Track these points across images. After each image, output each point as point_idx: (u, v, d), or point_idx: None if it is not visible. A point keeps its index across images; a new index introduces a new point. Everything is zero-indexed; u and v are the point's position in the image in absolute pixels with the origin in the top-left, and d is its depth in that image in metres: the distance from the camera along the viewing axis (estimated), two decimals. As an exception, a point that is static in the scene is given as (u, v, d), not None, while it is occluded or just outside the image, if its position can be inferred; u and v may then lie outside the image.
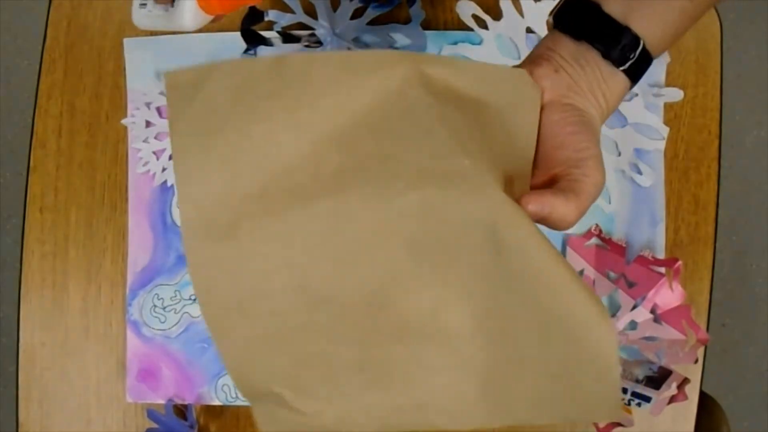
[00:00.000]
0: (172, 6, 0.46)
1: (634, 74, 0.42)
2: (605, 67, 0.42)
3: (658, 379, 0.63)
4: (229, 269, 0.38)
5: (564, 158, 0.40)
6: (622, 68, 0.42)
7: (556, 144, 0.41)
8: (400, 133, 0.41)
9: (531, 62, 0.43)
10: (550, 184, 0.40)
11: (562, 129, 0.41)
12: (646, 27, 0.41)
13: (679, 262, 0.65)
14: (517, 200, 0.38)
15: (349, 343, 0.40)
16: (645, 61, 0.42)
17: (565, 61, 0.42)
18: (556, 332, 0.39)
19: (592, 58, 0.42)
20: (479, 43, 0.68)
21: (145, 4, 0.49)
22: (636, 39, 0.41)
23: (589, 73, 0.42)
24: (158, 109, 0.68)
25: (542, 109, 0.42)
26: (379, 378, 0.42)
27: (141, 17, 0.49)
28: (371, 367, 0.41)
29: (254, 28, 0.68)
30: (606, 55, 0.41)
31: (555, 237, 0.67)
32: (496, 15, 0.68)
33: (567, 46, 0.42)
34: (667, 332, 0.66)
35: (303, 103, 0.38)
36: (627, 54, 0.41)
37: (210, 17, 0.47)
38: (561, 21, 0.43)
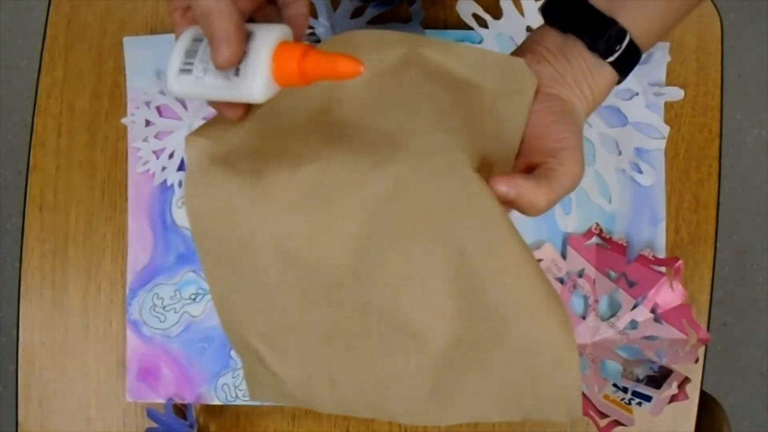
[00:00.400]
0: (237, 75, 0.37)
1: (622, 67, 0.43)
2: (591, 59, 0.42)
3: (658, 378, 0.63)
4: (221, 219, 0.40)
5: (543, 148, 0.41)
6: (608, 60, 0.42)
7: (537, 133, 0.41)
8: (387, 108, 0.42)
9: (518, 53, 0.44)
10: (528, 171, 0.40)
11: (543, 118, 0.41)
12: (632, 20, 0.42)
13: (680, 262, 0.65)
14: (489, 181, 0.38)
15: (319, 311, 0.41)
16: (633, 54, 0.43)
17: (551, 54, 0.43)
18: (514, 329, 0.39)
19: (578, 50, 0.42)
20: (479, 42, 0.68)
21: (189, 70, 0.38)
22: (622, 31, 0.42)
23: (575, 65, 0.42)
24: (158, 108, 0.68)
25: None
26: (345, 351, 0.42)
27: (185, 85, 0.38)
28: (338, 339, 0.42)
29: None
30: (592, 47, 0.42)
31: (556, 236, 0.67)
32: (497, 14, 0.68)
33: (553, 38, 0.43)
34: (668, 331, 0.66)
35: None
36: (613, 46, 0.42)
37: (279, 88, 0.38)
38: (548, 14, 0.44)
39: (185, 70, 0.38)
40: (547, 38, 0.43)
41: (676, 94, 0.69)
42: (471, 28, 0.68)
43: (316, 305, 0.41)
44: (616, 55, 0.42)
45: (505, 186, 0.38)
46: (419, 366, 0.41)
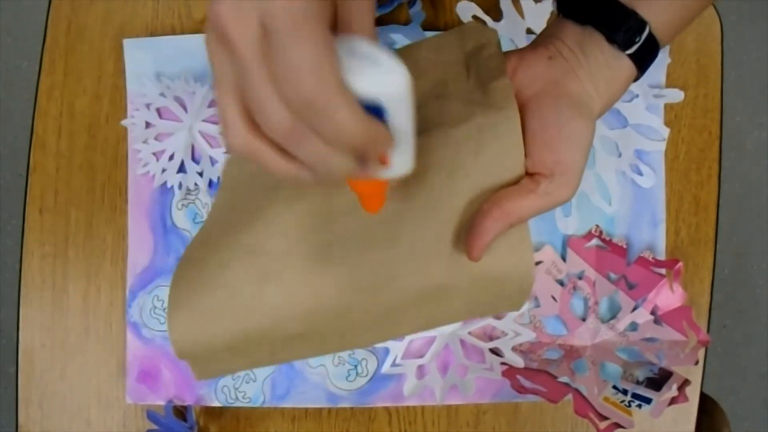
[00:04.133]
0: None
1: (641, 61, 0.41)
2: (610, 52, 0.41)
3: (658, 380, 0.63)
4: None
5: (544, 162, 0.39)
6: (627, 52, 0.41)
7: (542, 142, 0.39)
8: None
9: (529, 47, 0.43)
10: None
11: (550, 128, 0.39)
12: (652, 11, 0.41)
13: (680, 264, 0.65)
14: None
15: (296, 318, 0.40)
16: (652, 47, 0.41)
17: (566, 47, 0.41)
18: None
19: (596, 42, 0.41)
20: (479, 44, 0.68)
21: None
22: (642, 23, 0.40)
23: (592, 59, 0.41)
24: (158, 110, 0.68)
25: (532, 100, 0.40)
26: (319, 342, 0.42)
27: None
28: (314, 336, 0.41)
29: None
30: (611, 39, 0.40)
31: (555, 237, 0.67)
32: (497, 16, 0.68)
33: (571, 31, 0.41)
34: (668, 334, 0.66)
35: None
36: (632, 37, 0.40)
37: None
38: (565, 6, 0.43)
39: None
40: (564, 31, 0.42)
41: (676, 96, 0.69)
42: (471, 30, 0.68)
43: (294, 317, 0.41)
44: (635, 47, 0.40)
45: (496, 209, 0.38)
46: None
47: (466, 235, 0.37)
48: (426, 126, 0.38)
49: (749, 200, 1.43)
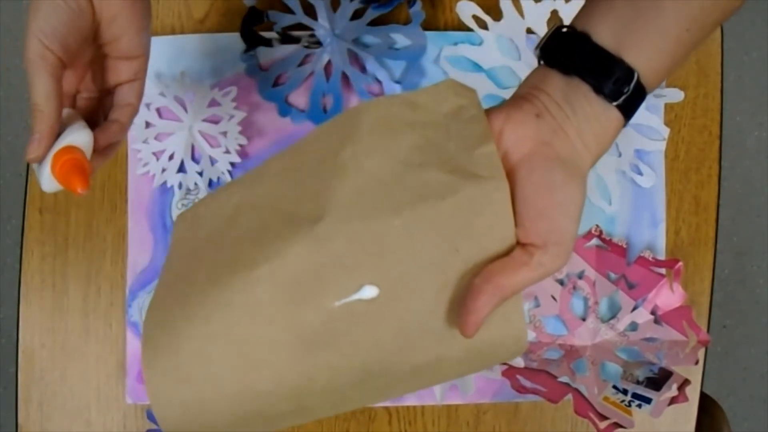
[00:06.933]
0: (39, 165, 0.45)
1: (627, 110, 0.39)
2: (597, 104, 0.39)
3: (658, 380, 0.63)
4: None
5: (537, 231, 0.37)
6: (615, 103, 0.39)
7: (535, 210, 0.37)
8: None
9: (513, 103, 0.40)
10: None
11: (542, 195, 0.37)
12: (641, 58, 0.38)
13: (680, 263, 0.65)
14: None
15: (287, 399, 0.39)
16: (638, 95, 0.39)
17: (552, 102, 0.39)
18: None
19: (583, 93, 0.39)
20: (479, 44, 0.68)
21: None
22: (630, 71, 0.38)
23: (579, 113, 0.38)
24: (158, 110, 0.68)
25: (522, 163, 0.38)
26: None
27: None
28: (304, 411, 0.41)
29: (253, 28, 0.68)
30: (598, 90, 0.38)
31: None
32: (497, 15, 0.68)
33: (555, 82, 0.39)
34: (668, 333, 0.66)
35: None
36: (621, 88, 0.38)
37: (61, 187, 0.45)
38: (548, 54, 0.40)
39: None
40: (549, 82, 0.39)
41: (676, 95, 0.69)
42: (471, 30, 0.68)
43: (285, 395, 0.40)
44: (623, 97, 0.38)
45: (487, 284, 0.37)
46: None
47: (459, 311, 0.37)
48: (411, 199, 0.37)
49: (749, 200, 1.43)
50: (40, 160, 0.45)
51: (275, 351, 0.38)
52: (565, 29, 0.40)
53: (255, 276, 0.37)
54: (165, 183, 0.68)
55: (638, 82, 0.39)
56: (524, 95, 0.40)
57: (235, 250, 0.40)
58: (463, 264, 0.37)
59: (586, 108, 0.39)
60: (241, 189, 0.43)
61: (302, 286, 0.37)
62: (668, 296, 0.66)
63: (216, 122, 0.68)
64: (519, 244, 0.37)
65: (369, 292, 0.36)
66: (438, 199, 0.36)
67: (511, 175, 0.38)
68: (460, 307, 0.37)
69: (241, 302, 0.38)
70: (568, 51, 0.39)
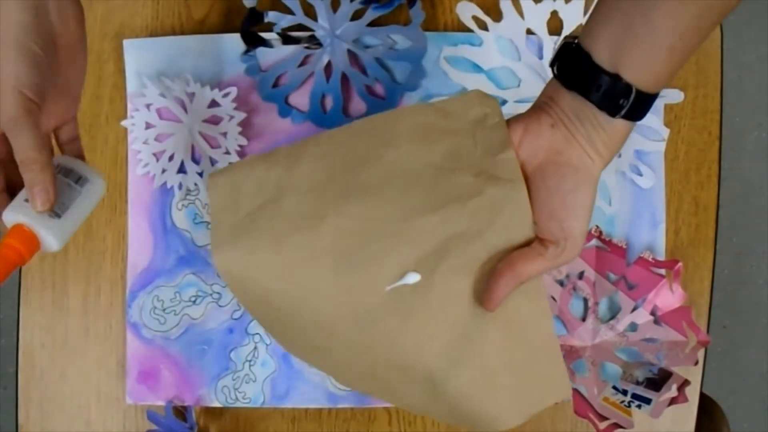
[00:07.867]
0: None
1: (633, 116, 0.42)
2: (601, 117, 0.42)
3: (658, 380, 0.63)
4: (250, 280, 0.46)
5: (550, 230, 0.43)
6: (617, 117, 0.42)
7: (548, 212, 0.43)
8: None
9: (533, 113, 0.45)
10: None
11: (554, 199, 0.43)
12: (637, 73, 0.41)
13: (680, 264, 0.65)
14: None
15: (316, 327, 0.46)
16: (643, 101, 0.42)
17: (564, 114, 0.43)
18: (514, 335, 0.44)
19: (588, 107, 0.42)
20: (479, 45, 0.68)
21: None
22: (627, 87, 0.41)
23: (587, 124, 0.43)
24: (158, 111, 0.68)
25: (537, 172, 0.44)
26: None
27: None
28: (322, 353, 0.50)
29: (254, 29, 0.68)
30: (600, 107, 0.42)
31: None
32: (497, 16, 0.68)
33: (564, 96, 0.43)
34: (668, 334, 0.66)
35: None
36: (620, 103, 0.41)
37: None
38: (557, 69, 0.44)
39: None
40: (560, 96, 0.43)
41: (676, 96, 0.69)
42: (471, 31, 0.68)
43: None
44: (623, 111, 0.41)
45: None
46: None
47: (484, 290, 0.43)
48: (446, 200, 0.43)
49: (749, 200, 1.43)
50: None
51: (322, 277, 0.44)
52: (574, 42, 0.43)
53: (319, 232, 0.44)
54: (165, 183, 0.68)
55: (638, 93, 0.41)
56: (542, 105, 0.45)
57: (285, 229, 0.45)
58: (487, 253, 0.43)
59: (593, 120, 0.42)
60: (278, 168, 0.47)
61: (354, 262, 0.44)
62: (668, 297, 0.66)
63: (216, 123, 0.68)
64: (537, 238, 0.43)
65: (413, 277, 0.43)
66: (467, 199, 0.43)
67: (527, 181, 0.44)
68: (484, 287, 0.43)
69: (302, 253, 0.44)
70: (572, 69, 0.43)
